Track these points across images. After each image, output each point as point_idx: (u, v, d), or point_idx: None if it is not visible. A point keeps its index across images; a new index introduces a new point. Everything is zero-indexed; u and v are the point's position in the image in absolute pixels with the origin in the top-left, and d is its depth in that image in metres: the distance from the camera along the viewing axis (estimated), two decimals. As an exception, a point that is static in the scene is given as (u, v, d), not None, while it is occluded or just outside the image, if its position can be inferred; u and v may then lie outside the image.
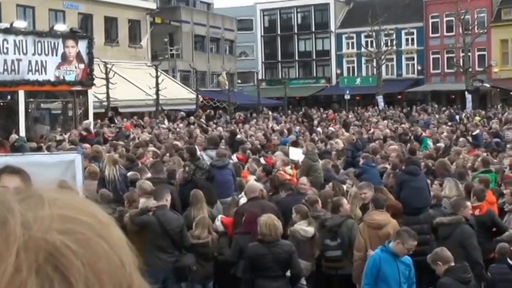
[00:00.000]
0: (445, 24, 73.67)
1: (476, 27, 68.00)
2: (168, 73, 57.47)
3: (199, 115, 43.84)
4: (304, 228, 11.20)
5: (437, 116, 45.59)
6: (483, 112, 50.03)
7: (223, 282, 11.74)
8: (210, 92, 61.49)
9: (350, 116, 45.68)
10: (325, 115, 49.12)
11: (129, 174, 14.72)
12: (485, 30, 68.82)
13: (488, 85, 64.06)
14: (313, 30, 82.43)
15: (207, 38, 69.31)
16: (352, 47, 79.23)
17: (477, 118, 39.79)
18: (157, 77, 45.87)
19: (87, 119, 31.03)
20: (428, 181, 13.89)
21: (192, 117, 39.89)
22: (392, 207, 11.42)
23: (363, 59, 77.68)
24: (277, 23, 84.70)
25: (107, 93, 41.46)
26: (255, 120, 40.97)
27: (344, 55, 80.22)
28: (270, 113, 50.87)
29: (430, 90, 72.95)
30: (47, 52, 31.26)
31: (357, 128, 30.35)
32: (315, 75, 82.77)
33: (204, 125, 34.46)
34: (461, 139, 24.47)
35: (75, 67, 32.55)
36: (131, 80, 47.43)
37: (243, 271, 10.29)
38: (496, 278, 10.43)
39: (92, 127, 28.26)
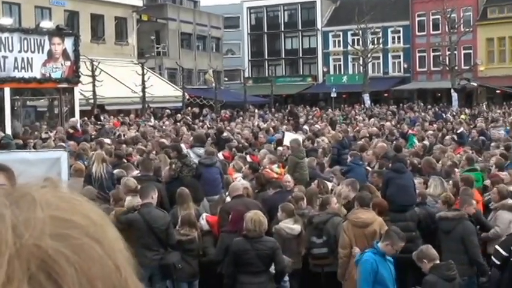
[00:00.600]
0: (431, 23, 73.87)
1: (462, 25, 68.21)
2: (155, 71, 57.37)
3: (186, 112, 43.84)
4: (290, 226, 11.21)
5: (423, 114, 45.70)
6: (469, 110, 50.22)
7: (209, 282, 11.72)
8: (197, 90, 61.41)
9: (336, 114, 45.77)
10: (312, 113, 49.14)
11: (115, 171, 14.70)
12: (471, 29, 69.08)
13: (475, 84, 64.32)
14: (300, 28, 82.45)
15: (193, 36, 69.22)
16: (339, 45, 79.32)
17: (463, 116, 39.92)
18: (143, 75, 45.81)
19: (73, 116, 30.98)
20: (418, 180, 13.95)
21: (178, 115, 39.89)
22: (378, 205, 11.44)
23: (350, 57, 77.73)
24: (264, 21, 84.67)
25: (93, 90, 41.38)
26: (241, 118, 40.95)
27: (330, 53, 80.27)
28: (256, 111, 50.87)
29: (416, 88, 73.12)
30: (33, 49, 31.15)
31: (344, 126, 30.45)
32: (301, 73, 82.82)
33: (191, 123, 34.45)
34: (447, 137, 24.58)
35: (61, 64, 32.45)
36: (117, 77, 47.32)
37: (226, 265, 10.31)
38: None
39: (78, 125, 28.19)
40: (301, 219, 11.42)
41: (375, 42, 71.12)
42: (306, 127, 29.73)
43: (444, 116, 41.17)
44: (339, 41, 79.05)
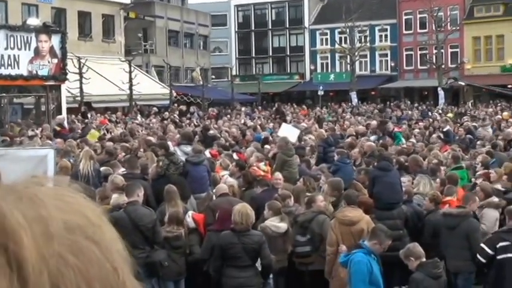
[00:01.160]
0: (418, 21, 74.08)
1: (449, 24, 68.51)
2: (142, 68, 57.26)
3: (173, 109, 43.81)
4: (276, 224, 11.21)
5: (409, 112, 45.83)
6: (456, 108, 50.38)
7: (195, 280, 11.71)
8: (184, 88, 61.36)
9: (323, 112, 45.83)
10: (298, 111, 49.16)
11: (102, 169, 14.68)
12: (458, 28, 69.35)
13: (462, 83, 64.58)
14: (287, 26, 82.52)
15: (181, 33, 69.13)
16: (326, 43, 79.42)
17: (449, 115, 40.03)
18: (130, 72, 45.74)
19: (60, 113, 30.90)
20: (405, 178, 14.00)
21: (166, 113, 39.86)
22: (364, 204, 11.49)
23: (337, 55, 77.89)
24: (251, 19, 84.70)
25: (80, 88, 41.31)
26: (228, 116, 40.93)
27: (318, 51, 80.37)
28: (243, 109, 50.84)
29: (403, 86, 73.33)
30: (19, 46, 31.04)
31: (331, 124, 30.48)
32: (288, 71, 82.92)
33: (178, 120, 34.42)
34: (433, 135, 24.66)
35: (48, 62, 32.35)
36: (105, 75, 47.21)
37: (213, 259, 10.33)
38: None
39: (65, 122, 28.12)
40: (288, 218, 11.43)
41: (362, 40, 71.24)
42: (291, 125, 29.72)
43: (430, 114, 41.28)
44: (326, 39, 79.13)
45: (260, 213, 11.53)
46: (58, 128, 25.06)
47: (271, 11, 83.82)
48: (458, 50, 71.59)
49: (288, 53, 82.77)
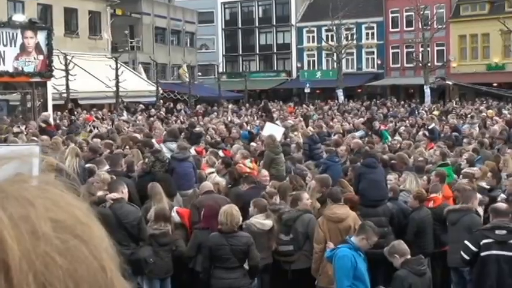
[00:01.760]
0: (404, 19, 74.22)
1: (435, 22, 68.68)
2: (129, 65, 57.14)
3: (159, 106, 43.78)
4: (261, 221, 11.22)
5: (395, 109, 45.93)
6: (442, 106, 50.55)
7: (181, 277, 11.71)
8: (171, 85, 61.34)
9: (310, 109, 45.85)
10: (285, 108, 49.19)
11: (87, 166, 14.66)
12: (444, 26, 69.53)
13: (450, 82, 64.78)
14: (274, 23, 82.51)
15: (167, 30, 69.03)
16: (313, 41, 79.45)
17: (435, 112, 40.17)
18: (117, 69, 45.65)
19: (46, 110, 30.80)
20: (392, 176, 14.06)
21: (152, 110, 39.82)
22: (350, 200, 11.52)
23: (324, 53, 77.97)
24: (238, 16, 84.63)
25: (67, 84, 41.20)
26: (215, 113, 40.89)
27: (304, 49, 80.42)
28: (230, 106, 50.78)
29: (389, 84, 73.49)
30: (5, 43, 30.93)
31: (317, 122, 30.52)
32: (275, 68, 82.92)
33: (164, 117, 34.38)
34: (420, 133, 24.78)
35: (34, 58, 32.25)
36: (91, 71, 47.08)
37: (202, 260, 10.34)
38: None
39: (51, 119, 28.04)
40: (274, 215, 11.44)
41: (349, 38, 71.35)
42: (278, 122, 29.74)
43: (416, 112, 41.41)
44: (313, 37, 79.17)
45: (246, 210, 11.54)
46: (43, 125, 24.96)
47: (258, 9, 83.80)
48: (444, 48, 71.81)
49: (275, 51, 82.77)
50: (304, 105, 52.68)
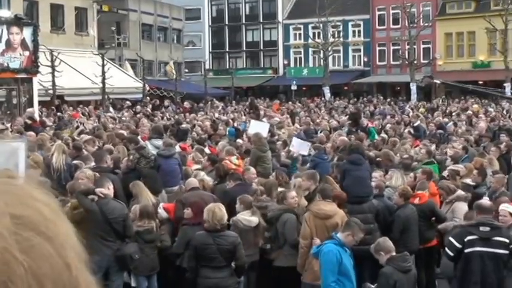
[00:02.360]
0: (391, 17, 74.47)
1: (421, 20, 68.93)
2: (115, 62, 56.99)
3: (146, 103, 43.68)
4: (247, 218, 11.22)
5: (382, 107, 46.06)
6: (428, 104, 50.73)
7: (167, 274, 11.70)
8: (157, 81, 61.24)
9: (296, 106, 45.88)
10: (271, 105, 49.18)
11: (74, 162, 14.63)
12: (430, 24, 69.84)
13: (438, 81, 64.99)
14: (261, 20, 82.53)
15: (154, 27, 68.90)
16: (300, 38, 79.55)
17: (421, 110, 40.32)
18: (103, 66, 45.53)
19: (32, 106, 30.66)
20: (377, 173, 14.09)
21: (138, 107, 39.74)
22: (338, 197, 11.53)
23: (310, 50, 78.05)
24: (225, 13, 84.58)
25: (53, 81, 41.06)
26: (202, 111, 40.82)
27: (291, 46, 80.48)
28: (217, 102, 50.71)
29: (375, 81, 73.69)
30: (-10, 39, 30.83)
31: (304, 119, 30.56)
32: (262, 65, 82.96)
33: (150, 114, 34.32)
34: (405, 131, 24.86)
35: (20, 54, 32.13)
36: (77, 68, 46.95)
37: (188, 259, 10.32)
38: None
39: (36, 115, 27.93)
40: (259, 212, 11.44)
41: (336, 35, 71.55)
42: (265, 119, 29.78)
43: (403, 109, 41.57)
44: (300, 34, 79.26)
45: (233, 207, 11.54)
46: (29, 121, 24.87)
47: (245, 6, 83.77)
48: (430, 46, 72.09)
49: (262, 48, 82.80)
50: (290, 103, 52.73)
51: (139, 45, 64.57)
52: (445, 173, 15.01)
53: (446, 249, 10.19)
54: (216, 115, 35.43)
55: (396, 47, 73.41)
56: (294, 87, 68.47)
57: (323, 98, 61.95)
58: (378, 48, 76.01)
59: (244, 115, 36.11)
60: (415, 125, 25.62)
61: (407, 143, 20.03)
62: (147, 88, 52.39)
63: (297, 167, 17.18)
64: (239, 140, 20.64)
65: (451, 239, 10.12)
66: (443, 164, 16.93)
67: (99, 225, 10.66)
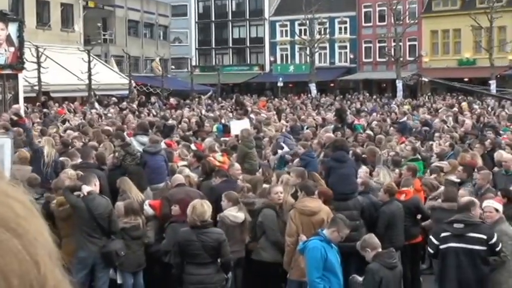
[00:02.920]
0: (377, 14, 74.66)
1: (407, 17, 69.10)
2: (101, 58, 56.83)
3: (132, 99, 43.60)
4: (234, 214, 11.21)
5: (368, 104, 46.15)
6: (413, 101, 50.88)
7: (153, 271, 11.69)
8: (144, 78, 61.13)
9: (282, 103, 45.88)
10: (258, 102, 49.13)
11: (61, 159, 14.61)
12: (416, 21, 70.01)
13: (426, 79, 65.21)
14: (248, 17, 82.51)
15: (140, 23, 68.72)
16: (286, 35, 79.60)
17: (406, 107, 40.40)
18: (89, 62, 45.41)
19: (18, 103, 30.56)
20: (363, 170, 14.14)
21: (124, 103, 39.66)
22: (324, 194, 11.53)
23: (296, 47, 78.16)
24: (212, 10, 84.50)
25: (38, 77, 40.91)
26: (187, 108, 40.75)
27: (278, 43, 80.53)
28: (208, 101, 50.62)
29: (362, 78, 73.85)
30: (-25, 34, 30.69)
31: (291, 115, 30.58)
32: (248, 62, 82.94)
33: (136, 110, 34.25)
34: (391, 128, 24.93)
35: (5, 50, 32.03)
36: (63, 64, 46.80)
37: (173, 256, 10.30)
38: None
39: (22, 111, 27.80)
40: (246, 208, 11.46)
41: (322, 32, 71.57)
42: (252, 116, 29.78)
43: (389, 107, 41.67)
44: (286, 31, 79.31)
45: (219, 203, 11.54)
46: (15, 118, 24.74)
47: (231, 2, 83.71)
48: (416, 43, 72.36)
49: (248, 44, 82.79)
50: (277, 99, 52.70)
51: (125, 41, 64.36)
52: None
53: (428, 246, 10.30)
54: (203, 112, 35.38)
55: (382, 44, 73.61)
56: (280, 84, 68.55)
57: (309, 95, 61.94)
58: (364, 45, 76.22)
59: (231, 112, 36.06)
60: (401, 121, 25.70)
61: (393, 140, 20.08)
62: (133, 84, 52.28)
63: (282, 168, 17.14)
64: (224, 138, 20.63)
65: (431, 237, 10.25)
66: (428, 161, 17.01)
67: (85, 221, 10.65)
